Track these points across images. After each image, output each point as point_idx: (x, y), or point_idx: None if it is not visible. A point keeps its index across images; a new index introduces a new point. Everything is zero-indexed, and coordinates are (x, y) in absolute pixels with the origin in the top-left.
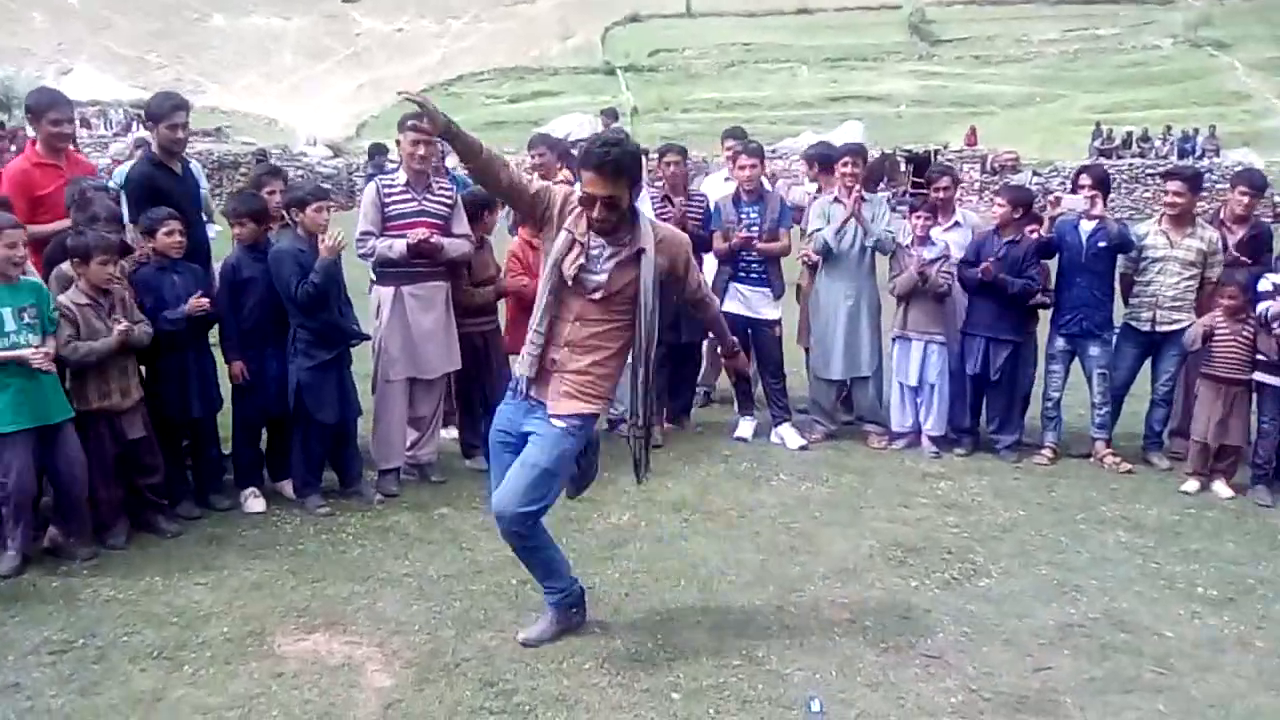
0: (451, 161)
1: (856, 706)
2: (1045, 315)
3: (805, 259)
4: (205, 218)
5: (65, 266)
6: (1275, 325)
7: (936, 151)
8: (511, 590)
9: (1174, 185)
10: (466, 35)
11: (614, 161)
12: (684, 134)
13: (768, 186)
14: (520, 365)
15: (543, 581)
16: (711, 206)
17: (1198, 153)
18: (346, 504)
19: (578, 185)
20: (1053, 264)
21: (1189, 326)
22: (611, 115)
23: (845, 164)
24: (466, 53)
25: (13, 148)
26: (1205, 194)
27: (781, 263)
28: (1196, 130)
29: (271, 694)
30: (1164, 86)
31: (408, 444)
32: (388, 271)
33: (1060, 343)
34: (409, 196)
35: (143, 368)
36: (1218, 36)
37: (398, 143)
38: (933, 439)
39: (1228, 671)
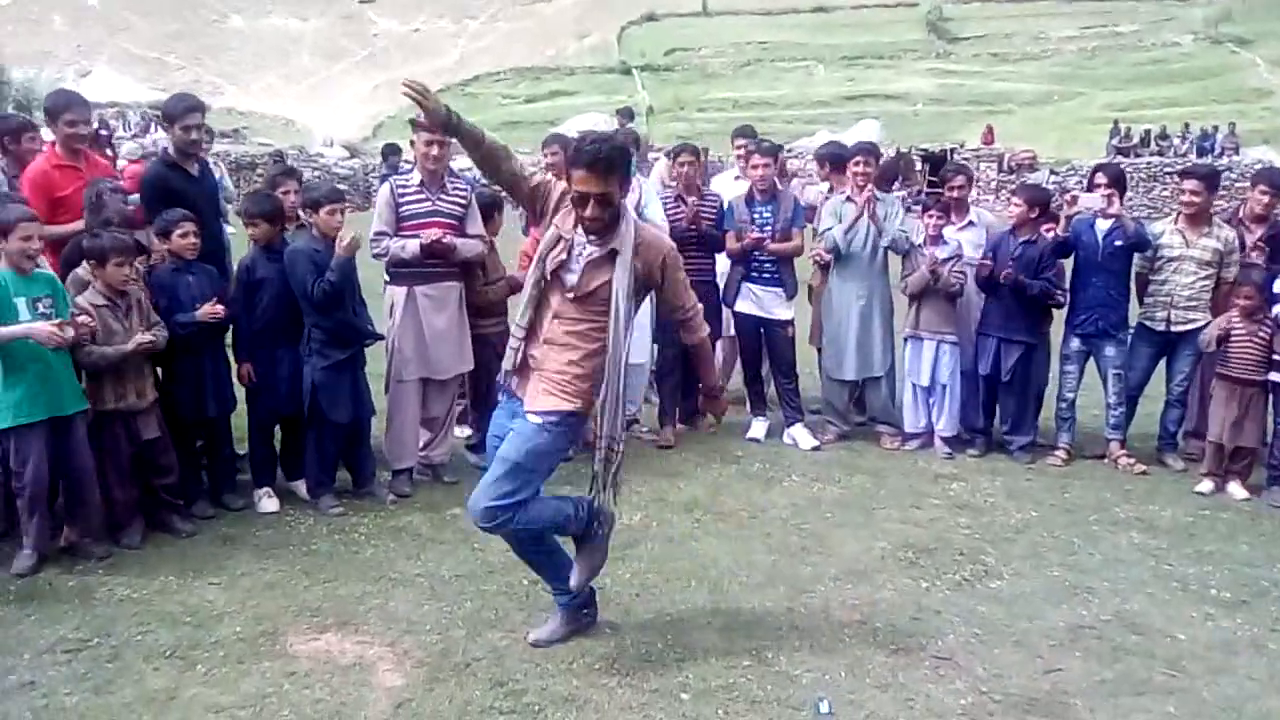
0: (457, 164)
1: (866, 708)
2: (1059, 315)
3: (817, 259)
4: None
5: (82, 269)
6: None
7: (953, 150)
8: (523, 591)
9: (1190, 184)
10: (483, 35)
11: (606, 158)
12: (700, 133)
13: (779, 186)
14: (505, 359)
15: (550, 582)
16: (725, 206)
17: (1217, 150)
18: (359, 504)
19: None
20: (1068, 263)
21: (1204, 326)
22: (627, 115)
23: (857, 163)
24: (483, 53)
25: (43, 148)
26: (1225, 192)
27: (795, 263)
28: (1216, 128)
29: (283, 693)
30: (1184, 84)
31: (420, 444)
32: (401, 272)
33: (1075, 343)
34: (423, 197)
35: (158, 368)
36: (1238, 33)
37: (412, 143)
38: (945, 440)
39: (1240, 674)
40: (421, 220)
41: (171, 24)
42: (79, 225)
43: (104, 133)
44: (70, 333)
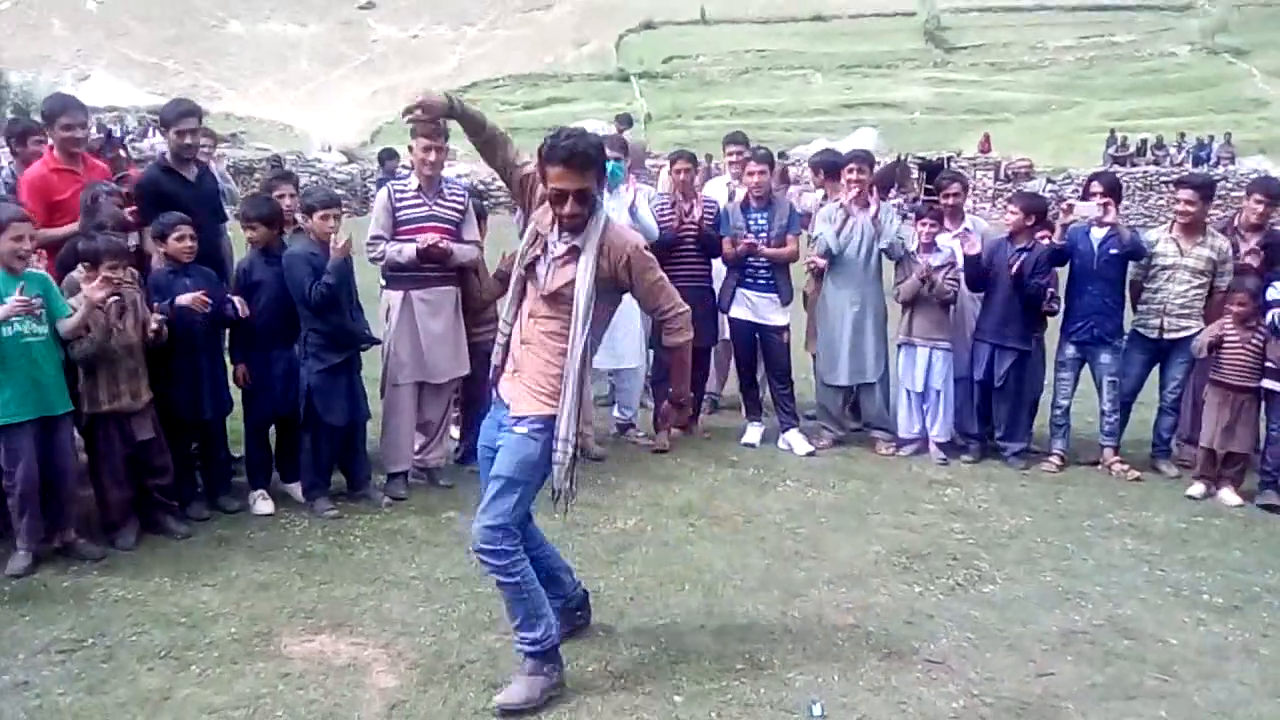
0: (450, 171)
1: (858, 711)
2: (1054, 322)
3: (811, 265)
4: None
5: (78, 271)
6: None
7: (950, 159)
8: None
9: (1185, 194)
10: (482, 42)
11: (583, 153)
12: (697, 140)
13: (775, 192)
14: (493, 356)
15: (517, 627)
16: (721, 211)
17: (1213, 160)
18: (354, 507)
19: None
20: (1063, 271)
21: (1197, 334)
22: (626, 122)
23: (850, 170)
24: (481, 59)
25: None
26: (1221, 202)
27: (790, 269)
28: (1212, 137)
29: (277, 694)
30: (1180, 94)
31: (416, 448)
32: (397, 276)
33: (1071, 350)
34: (420, 201)
35: (153, 370)
36: (1235, 43)
37: (409, 148)
38: (940, 445)
39: (1231, 679)
40: (418, 225)
41: (170, 29)
42: (76, 228)
43: (116, 134)
44: (39, 303)
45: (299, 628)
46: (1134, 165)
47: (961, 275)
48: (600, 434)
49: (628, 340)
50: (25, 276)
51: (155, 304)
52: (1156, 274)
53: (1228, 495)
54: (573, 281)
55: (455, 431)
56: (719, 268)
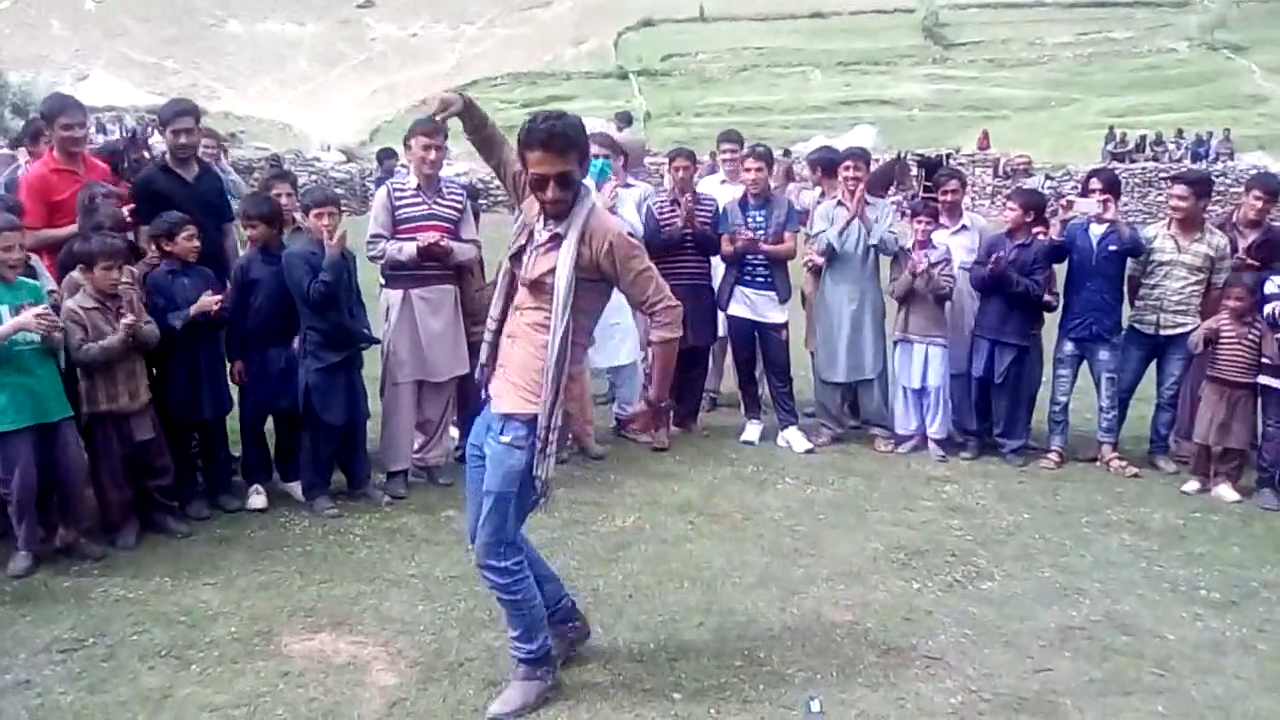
0: (449, 170)
1: (856, 707)
2: (1052, 319)
3: (809, 263)
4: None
5: (76, 272)
6: None
7: (948, 155)
8: None
9: (1178, 189)
10: (480, 40)
11: (561, 134)
12: (696, 138)
13: (773, 189)
14: (481, 353)
15: (515, 637)
16: (720, 210)
17: (1211, 156)
18: (354, 506)
19: None
20: (1061, 268)
21: (1193, 331)
22: (625, 120)
23: (847, 167)
24: (480, 58)
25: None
26: (1220, 198)
27: (788, 266)
28: (1210, 133)
29: (278, 692)
30: (1179, 90)
31: (415, 447)
32: (397, 275)
33: (1069, 347)
34: (420, 200)
35: (154, 369)
36: (1233, 39)
37: (407, 147)
38: (938, 442)
39: (1228, 674)
40: (418, 223)
41: (169, 28)
42: (74, 229)
43: (137, 135)
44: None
45: (299, 626)
46: (1133, 162)
47: (960, 272)
48: (600, 432)
49: (623, 337)
50: (18, 285)
51: (171, 316)
52: (1154, 270)
53: (1225, 491)
54: (554, 269)
55: (454, 430)
56: (718, 265)
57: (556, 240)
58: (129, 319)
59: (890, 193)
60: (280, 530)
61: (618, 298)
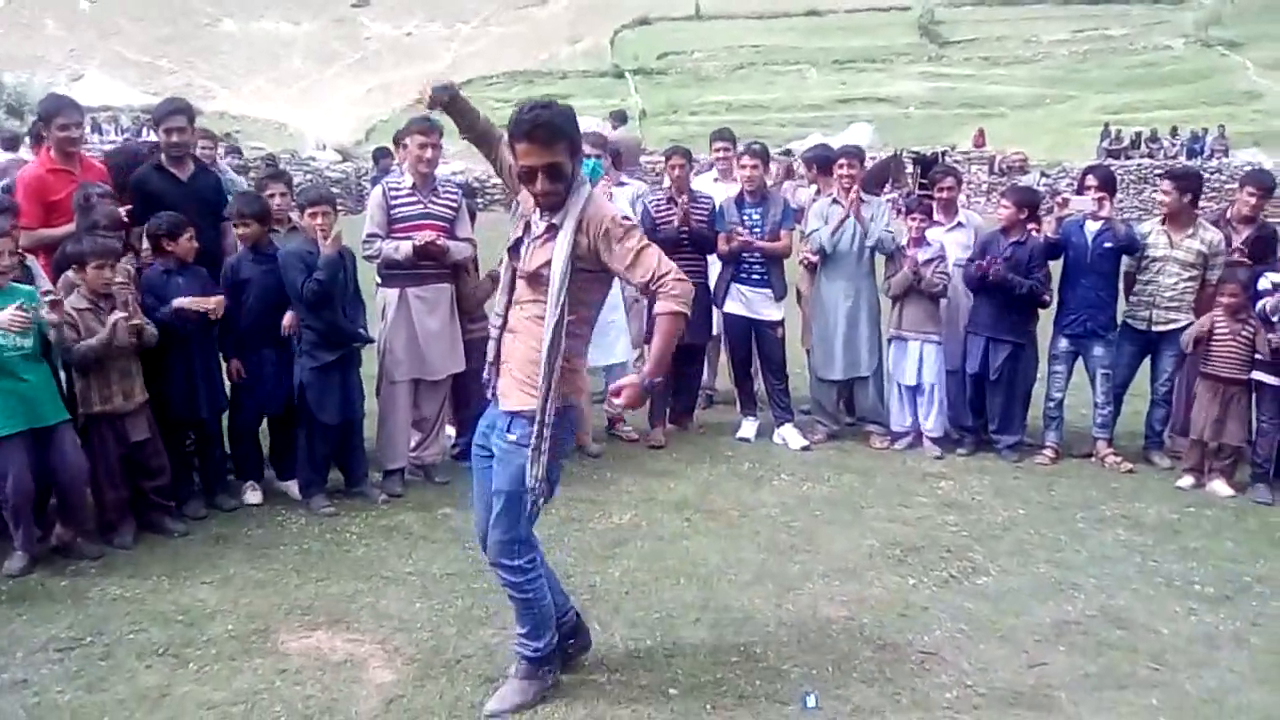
0: (444, 169)
1: (852, 702)
2: (1047, 315)
3: (804, 261)
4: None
5: (71, 272)
6: (1275, 318)
7: (944, 153)
8: None
9: (1165, 185)
10: (475, 39)
11: (546, 124)
12: (692, 136)
13: (769, 187)
14: (488, 351)
15: (522, 634)
16: (716, 208)
17: (1206, 153)
18: (351, 504)
19: None
20: (1056, 265)
21: (1186, 327)
22: (620, 118)
23: (842, 165)
24: (475, 56)
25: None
26: (1215, 194)
27: (784, 264)
28: (1205, 130)
29: (275, 690)
30: (1175, 87)
31: (412, 445)
32: (393, 273)
33: (1064, 343)
34: (415, 199)
35: (149, 369)
36: (1228, 36)
37: (403, 146)
38: (934, 439)
39: (1222, 667)
40: (414, 222)
41: (163, 28)
42: (70, 229)
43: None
44: (33, 315)
45: (296, 624)
46: (1128, 159)
47: (956, 269)
48: (596, 431)
49: (617, 334)
50: (9, 290)
51: (160, 311)
52: (1147, 266)
53: (1219, 486)
54: (549, 261)
55: (451, 429)
56: (714, 263)
57: (553, 231)
58: (116, 315)
59: (886, 190)
60: (277, 529)
61: (614, 294)
